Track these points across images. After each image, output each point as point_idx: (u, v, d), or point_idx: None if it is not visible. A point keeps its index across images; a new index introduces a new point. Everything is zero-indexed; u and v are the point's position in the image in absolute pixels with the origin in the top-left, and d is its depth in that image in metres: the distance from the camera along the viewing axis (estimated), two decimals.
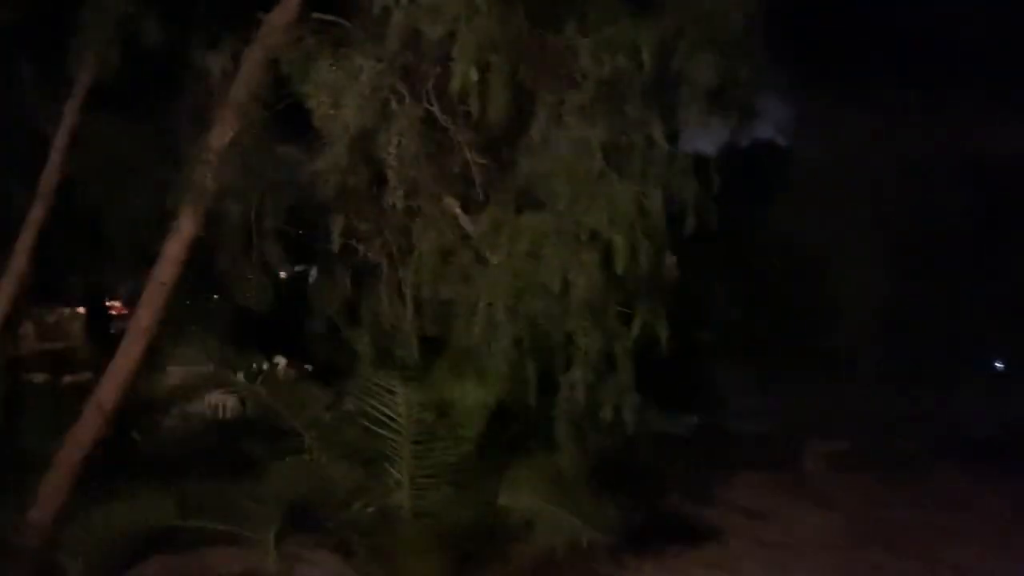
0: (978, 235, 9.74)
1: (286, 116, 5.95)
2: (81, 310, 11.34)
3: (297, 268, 8.51)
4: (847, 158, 10.01)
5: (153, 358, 6.74)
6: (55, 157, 6.73)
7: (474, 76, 4.88)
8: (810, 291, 10.25)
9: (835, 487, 9.46)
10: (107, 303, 11.44)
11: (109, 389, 6.21)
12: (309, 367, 9.90)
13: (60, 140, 6.73)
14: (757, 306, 10.68)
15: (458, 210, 5.55)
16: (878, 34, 9.93)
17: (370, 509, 5.47)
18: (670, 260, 5.24)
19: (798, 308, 10.42)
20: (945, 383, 10.47)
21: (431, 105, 5.33)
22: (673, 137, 5.72)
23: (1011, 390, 10.99)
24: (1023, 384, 11.03)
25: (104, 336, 9.63)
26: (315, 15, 5.72)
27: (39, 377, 9.09)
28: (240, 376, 7.16)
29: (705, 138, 6.57)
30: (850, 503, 8.89)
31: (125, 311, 9.68)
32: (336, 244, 5.81)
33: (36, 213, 6.79)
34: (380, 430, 5.53)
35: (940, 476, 9.74)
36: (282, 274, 7.49)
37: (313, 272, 7.75)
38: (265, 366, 9.33)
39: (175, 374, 8.76)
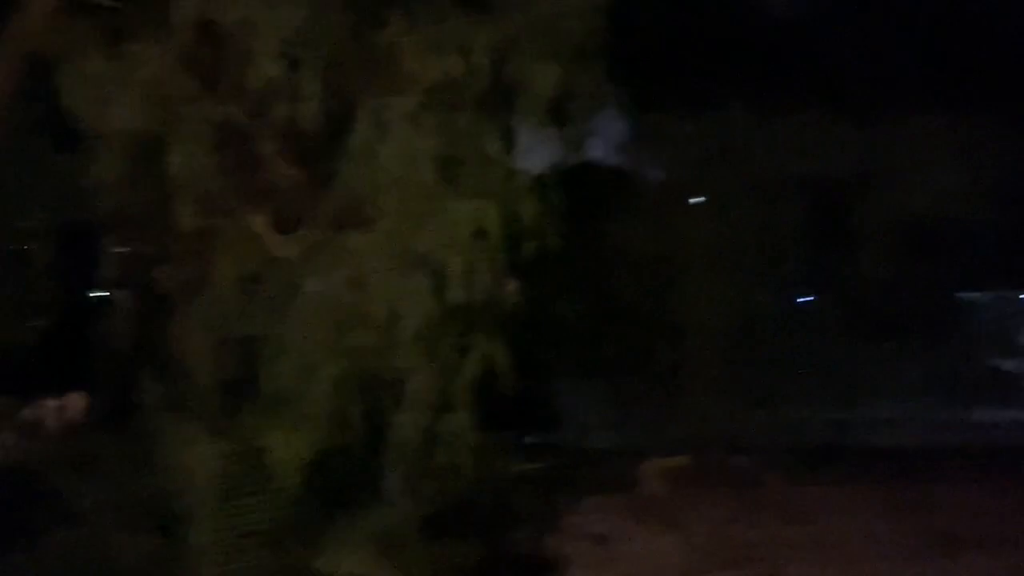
0: (817, 252, 9.98)
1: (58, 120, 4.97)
2: None
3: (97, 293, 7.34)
4: (690, 175, 10.00)
5: None
6: None
7: (274, 73, 4.14)
8: (657, 307, 10.17)
9: (679, 505, 9.35)
10: None
11: None
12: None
13: None
14: (605, 323, 10.53)
15: (266, 229, 4.78)
16: (724, 52, 9.99)
17: None
18: (511, 284, 4.72)
19: (645, 324, 10.33)
20: (787, 395, 10.74)
21: (229, 107, 4.53)
22: (513, 151, 5.22)
23: (843, 397, 11.37)
24: (846, 390, 11.45)
25: None
26: None
27: None
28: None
29: (548, 153, 6.12)
30: (694, 521, 8.79)
31: None
32: (116, 270, 4.87)
33: None
34: (178, 488, 4.70)
35: (780, 489, 9.86)
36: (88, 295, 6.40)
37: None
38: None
39: None
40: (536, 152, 5.63)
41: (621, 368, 10.92)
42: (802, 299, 11.22)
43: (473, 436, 4.83)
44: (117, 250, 4.82)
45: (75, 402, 7.37)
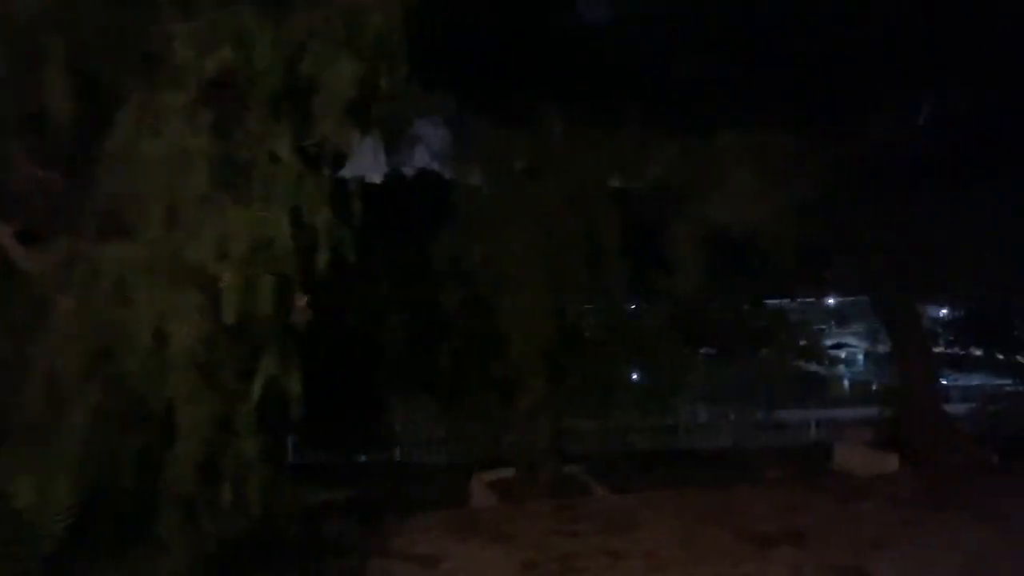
0: (637, 263, 10.12)
1: None
2: None
3: None
4: (514, 186, 9.90)
5: None
6: None
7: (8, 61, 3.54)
8: (482, 321, 10.00)
9: (506, 518, 9.25)
10: None
11: None
12: None
13: None
14: (430, 338, 10.26)
15: (9, 240, 4.11)
16: (543, 64, 9.95)
17: None
18: (301, 300, 4.29)
19: (470, 338, 10.14)
20: (612, 404, 10.88)
21: None
22: (309, 155, 4.79)
23: (665, 404, 11.68)
24: (668, 397, 11.79)
25: None
26: None
27: None
28: None
29: (353, 158, 5.73)
30: (520, 534, 8.70)
31: None
32: None
33: None
34: None
35: (605, 497, 9.95)
36: None
37: None
38: None
39: None
40: (338, 157, 5.24)
41: (447, 383, 10.72)
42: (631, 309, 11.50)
43: (261, 469, 4.34)
44: None
45: None
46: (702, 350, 11.85)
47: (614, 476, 10.19)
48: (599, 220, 9.44)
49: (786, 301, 13.38)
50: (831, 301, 15.50)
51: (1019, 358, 12.28)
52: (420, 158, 10.59)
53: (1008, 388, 12.61)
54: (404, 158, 10.23)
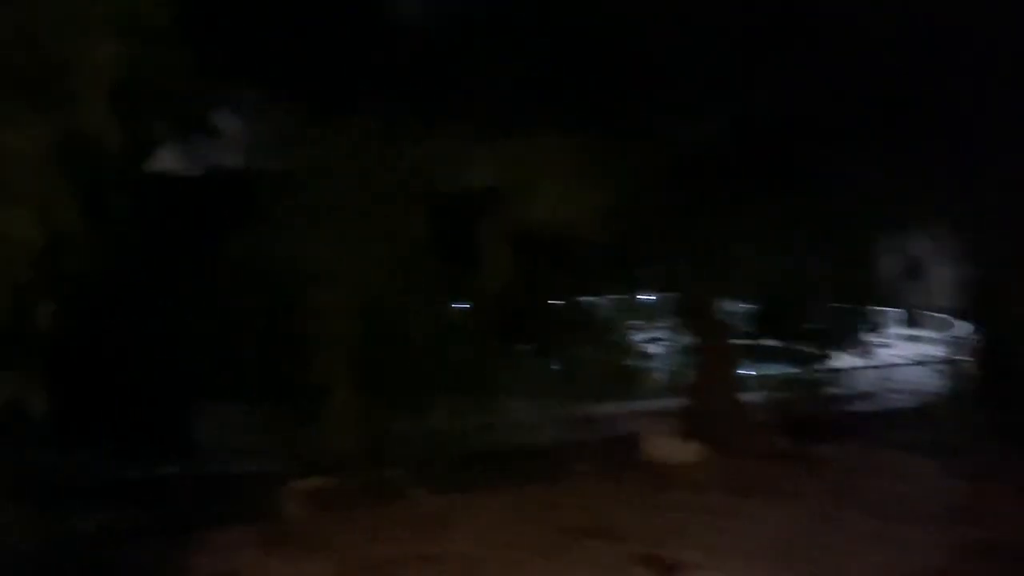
0: (453, 262, 10.03)
1: None
2: None
3: None
4: (324, 183, 9.50)
5: None
6: None
7: None
8: (290, 323, 9.53)
9: (319, 528, 8.91)
10: None
11: None
12: None
13: None
14: (235, 342, 9.66)
15: None
16: (360, 58, 9.64)
17: None
18: (45, 309, 3.80)
19: (278, 341, 9.63)
20: (430, 404, 10.76)
21: None
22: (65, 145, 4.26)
23: (484, 402, 11.63)
24: (487, 395, 11.78)
25: None
26: None
27: None
28: None
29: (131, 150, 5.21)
30: (334, 544, 8.43)
31: None
32: None
33: None
34: None
35: (425, 501, 9.83)
36: None
37: None
38: None
39: None
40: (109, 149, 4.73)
41: (256, 388, 10.18)
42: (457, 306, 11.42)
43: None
44: None
45: None
46: (519, 347, 11.95)
47: (433, 478, 10.05)
48: (413, 218, 9.27)
49: (600, 298, 13.78)
50: (643, 297, 16.14)
51: (807, 348, 13.31)
52: (228, 151, 10.03)
53: (798, 376, 13.60)
54: (206, 150, 9.64)
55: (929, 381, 16.06)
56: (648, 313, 17.16)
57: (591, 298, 13.46)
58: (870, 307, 13.88)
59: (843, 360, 14.48)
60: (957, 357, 13.73)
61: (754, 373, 14.15)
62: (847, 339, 13.67)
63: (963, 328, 15.75)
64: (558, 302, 12.22)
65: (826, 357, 13.68)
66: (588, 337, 12.24)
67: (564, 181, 9.55)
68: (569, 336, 11.84)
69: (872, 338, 14.54)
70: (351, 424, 9.59)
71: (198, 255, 8.93)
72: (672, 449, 11.28)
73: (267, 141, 9.24)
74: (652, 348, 15.33)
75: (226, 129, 8.94)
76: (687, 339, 12.70)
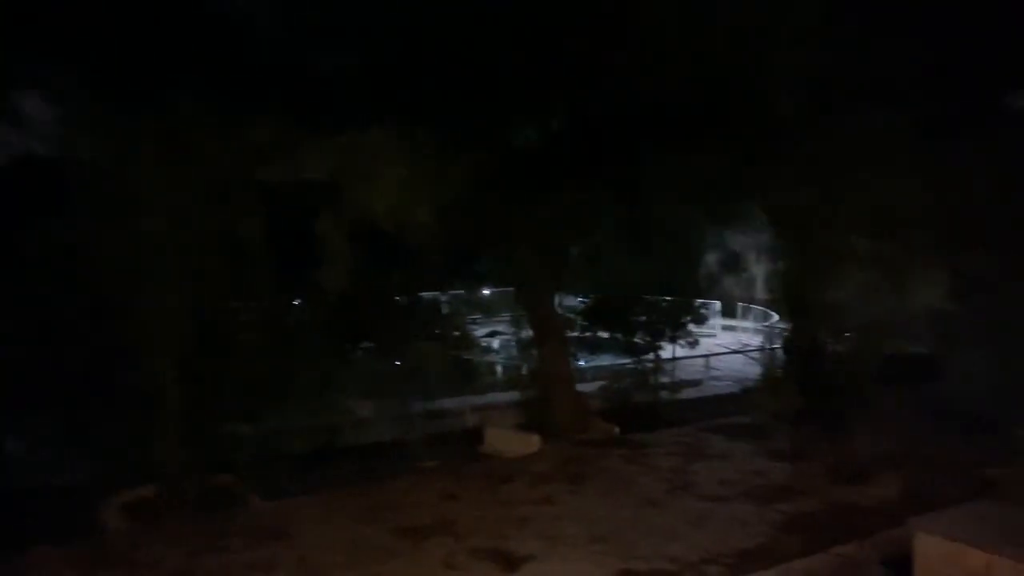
0: (288, 259, 9.67)
1: None
2: None
3: None
4: (142, 175, 8.88)
5: None
6: None
7: None
8: (110, 324, 8.86)
9: (144, 541, 8.37)
10: None
11: None
12: None
13: None
14: (52, 345, 8.87)
15: None
16: (186, 47, 9.09)
17: None
18: None
19: (97, 344, 8.93)
20: (266, 405, 10.40)
21: None
22: None
23: (324, 401, 11.35)
24: (327, 394, 11.51)
25: None
26: None
27: None
28: None
29: None
30: (158, 558, 7.94)
31: None
32: None
33: None
34: None
35: (260, 506, 9.47)
36: None
37: None
38: None
39: None
40: None
41: (73, 395, 9.41)
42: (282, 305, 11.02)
43: None
44: None
45: None
46: (359, 345, 11.75)
47: (270, 482, 9.71)
48: (243, 213, 8.87)
49: (441, 293, 13.80)
50: (485, 292, 16.34)
51: (637, 339, 13.91)
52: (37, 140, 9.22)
53: (630, 366, 14.21)
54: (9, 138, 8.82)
55: (747, 368, 17.30)
56: (487, 308, 17.41)
57: (431, 294, 13.46)
58: (694, 300, 14.70)
59: (670, 350, 15.26)
60: (772, 345, 14.79)
61: (588, 364, 14.64)
62: (673, 329, 14.41)
63: (777, 318, 17.03)
64: (398, 298, 12.12)
65: (655, 348, 14.36)
66: (429, 333, 12.21)
67: (401, 175, 9.46)
68: (410, 332, 11.77)
69: (696, 329, 15.42)
70: (179, 429, 9.07)
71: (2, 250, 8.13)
72: (513, 441, 11.47)
73: (78, 129, 8.53)
74: (492, 342, 15.50)
75: (35, 116, 8.18)
76: (526, 333, 12.94)
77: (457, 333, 13.07)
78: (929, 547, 5.04)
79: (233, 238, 8.93)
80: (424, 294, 13.02)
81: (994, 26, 11.03)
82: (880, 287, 10.99)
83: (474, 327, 15.30)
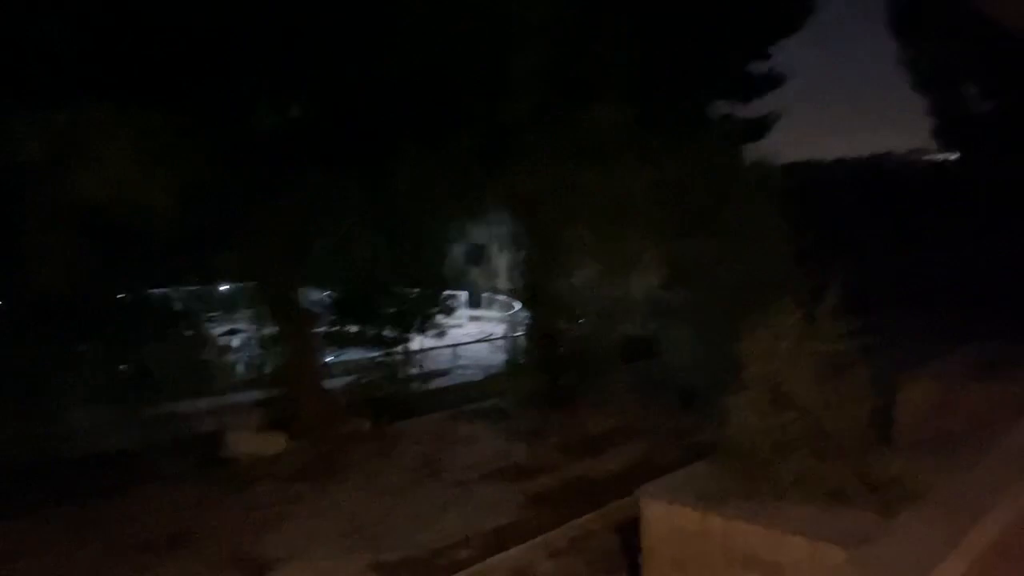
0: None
1: None
2: None
3: None
4: None
5: None
6: None
7: None
8: None
9: None
10: None
11: None
12: None
13: None
14: None
15: None
16: None
17: None
18: None
19: None
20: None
21: None
22: None
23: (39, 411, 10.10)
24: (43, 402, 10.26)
25: None
26: None
27: None
28: None
29: None
30: None
31: None
32: None
33: None
34: None
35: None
36: None
37: None
38: None
39: None
40: None
41: None
42: None
43: None
44: None
45: None
46: (81, 345, 10.58)
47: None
48: None
49: (173, 289, 12.82)
50: (222, 288, 15.40)
51: (386, 332, 13.86)
52: None
53: (379, 359, 14.12)
54: None
55: (492, 356, 17.91)
56: (225, 303, 16.44)
57: (162, 289, 12.48)
58: (440, 290, 14.91)
59: (419, 341, 15.38)
60: (515, 333, 15.41)
61: (337, 359, 14.34)
62: (421, 321, 14.54)
63: (519, 307, 17.77)
64: (125, 294, 11.09)
65: (404, 339, 14.39)
66: (161, 331, 11.29)
67: (127, 156, 8.64)
68: (139, 331, 10.81)
69: (444, 319, 15.66)
70: None
71: None
72: (257, 442, 10.99)
73: None
74: (232, 340, 14.67)
75: None
76: (269, 329, 12.40)
77: (191, 331, 12.18)
78: (654, 511, 5.52)
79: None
80: (154, 291, 12.04)
81: (702, 41, 12.36)
82: (609, 274, 11.87)
83: (212, 325, 14.37)
